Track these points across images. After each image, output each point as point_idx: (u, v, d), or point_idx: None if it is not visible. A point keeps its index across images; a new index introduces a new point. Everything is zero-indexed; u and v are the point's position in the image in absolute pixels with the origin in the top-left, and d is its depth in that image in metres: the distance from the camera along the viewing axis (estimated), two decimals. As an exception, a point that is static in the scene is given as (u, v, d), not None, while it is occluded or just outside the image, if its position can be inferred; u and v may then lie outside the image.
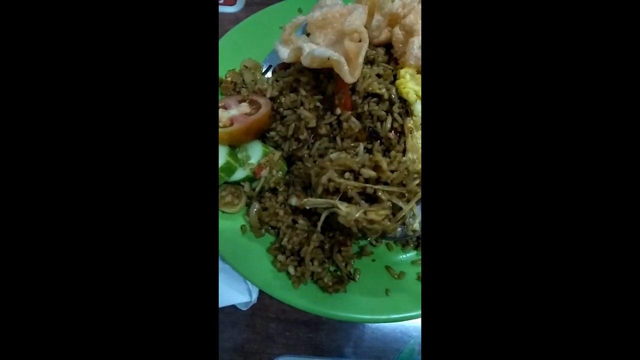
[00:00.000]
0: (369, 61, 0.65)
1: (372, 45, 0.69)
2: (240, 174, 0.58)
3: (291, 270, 0.53)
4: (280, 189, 0.61)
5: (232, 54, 0.73)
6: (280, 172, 0.60)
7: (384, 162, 0.51)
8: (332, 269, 0.57)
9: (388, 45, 0.69)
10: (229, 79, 0.69)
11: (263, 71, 0.72)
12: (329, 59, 0.51)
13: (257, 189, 0.58)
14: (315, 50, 0.52)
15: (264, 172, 0.58)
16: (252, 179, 0.59)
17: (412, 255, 0.60)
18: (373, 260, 0.59)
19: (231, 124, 0.58)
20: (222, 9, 0.88)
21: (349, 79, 0.53)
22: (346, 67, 0.51)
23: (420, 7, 0.67)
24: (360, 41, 0.56)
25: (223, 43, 0.74)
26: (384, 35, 0.68)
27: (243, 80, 0.69)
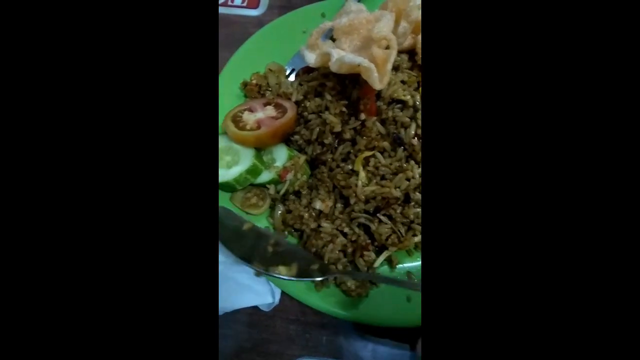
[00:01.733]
0: (394, 67, 0.66)
1: (397, 52, 0.70)
2: (265, 176, 0.59)
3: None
4: (304, 192, 0.61)
5: (257, 57, 0.74)
6: (305, 176, 0.61)
7: None
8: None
9: (412, 52, 0.70)
10: (253, 81, 0.70)
11: (287, 75, 0.73)
12: (359, 65, 0.52)
13: (282, 192, 0.59)
14: (346, 56, 0.53)
15: (289, 175, 0.59)
16: (277, 181, 0.60)
17: (432, 261, 0.60)
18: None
19: (258, 127, 0.59)
20: (246, 12, 0.89)
21: (378, 85, 0.53)
22: (376, 74, 0.52)
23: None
24: (387, 48, 0.57)
25: (248, 46, 0.75)
26: (408, 42, 0.69)
27: (267, 83, 0.70)
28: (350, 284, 0.54)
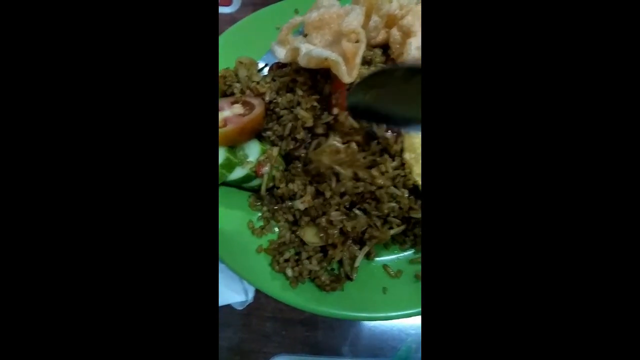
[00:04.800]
0: (366, 62, 0.66)
1: (370, 46, 0.70)
2: (239, 172, 0.58)
3: (289, 272, 0.54)
4: (282, 186, 0.61)
5: (230, 54, 0.73)
6: (281, 167, 0.61)
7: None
8: (329, 267, 0.57)
9: (386, 46, 0.70)
10: (221, 75, 0.69)
11: (259, 69, 0.72)
12: (326, 59, 0.52)
13: (264, 187, 0.59)
14: (313, 50, 0.52)
15: (265, 169, 0.58)
16: (252, 177, 0.59)
17: (409, 254, 0.60)
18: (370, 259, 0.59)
19: (224, 125, 0.58)
20: (219, 9, 0.88)
21: (346, 79, 0.53)
22: (344, 68, 0.52)
23: (418, 8, 0.67)
24: (357, 42, 0.56)
25: (220, 42, 0.74)
26: (381, 36, 0.69)
27: (236, 74, 0.68)
28: (325, 278, 0.54)
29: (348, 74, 0.54)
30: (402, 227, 0.60)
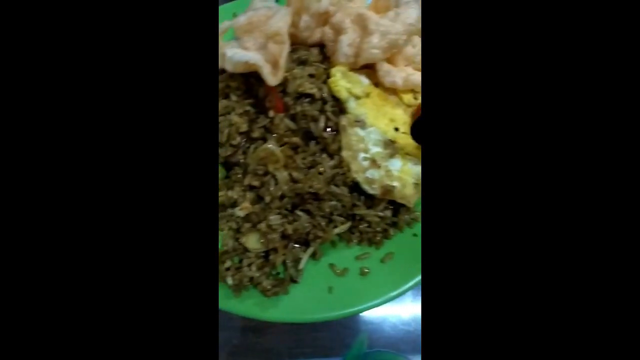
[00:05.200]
0: (301, 62, 0.66)
1: (306, 46, 0.70)
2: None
3: (229, 281, 0.53)
4: (222, 194, 0.60)
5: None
6: (221, 174, 0.60)
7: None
8: (275, 272, 0.57)
9: (323, 45, 0.69)
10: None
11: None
12: (246, 62, 0.51)
13: None
14: (234, 55, 0.52)
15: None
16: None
17: (355, 250, 0.60)
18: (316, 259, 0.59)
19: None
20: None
21: (270, 81, 0.53)
22: (266, 70, 0.52)
23: (349, 4, 0.67)
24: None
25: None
26: (317, 35, 0.68)
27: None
28: (266, 283, 0.53)
29: (274, 76, 0.54)
30: (348, 225, 0.60)
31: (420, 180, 0.61)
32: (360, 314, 0.56)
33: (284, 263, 0.57)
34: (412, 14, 0.59)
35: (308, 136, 0.61)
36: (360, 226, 0.60)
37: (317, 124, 0.60)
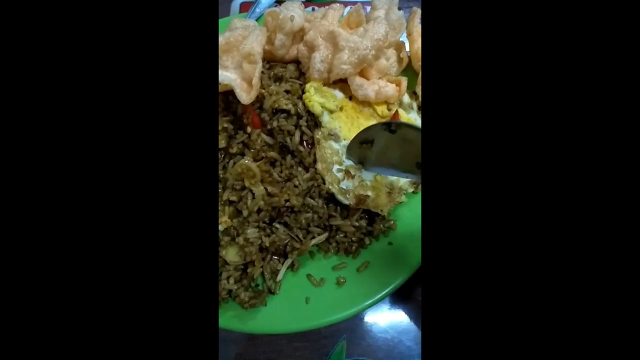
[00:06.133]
0: (278, 78, 0.68)
1: (283, 63, 0.72)
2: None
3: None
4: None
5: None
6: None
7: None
8: (254, 284, 0.58)
9: (298, 62, 0.72)
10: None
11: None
12: (221, 82, 0.54)
13: None
14: (207, 76, 0.54)
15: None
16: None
17: (333, 260, 0.62)
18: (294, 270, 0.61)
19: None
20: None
21: (244, 99, 0.55)
22: (239, 90, 0.54)
23: (321, 22, 0.70)
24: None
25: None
26: (293, 52, 0.71)
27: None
28: (244, 295, 0.55)
29: (248, 94, 0.56)
30: (325, 235, 0.61)
31: (395, 189, 0.62)
32: (338, 323, 0.57)
33: (262, 275, 0.58)
34: (380, 29, 0.61)
35: (285, 150, 0.63)
36: (337, 236, 0.62)
37: (293, 138, 0.62)
